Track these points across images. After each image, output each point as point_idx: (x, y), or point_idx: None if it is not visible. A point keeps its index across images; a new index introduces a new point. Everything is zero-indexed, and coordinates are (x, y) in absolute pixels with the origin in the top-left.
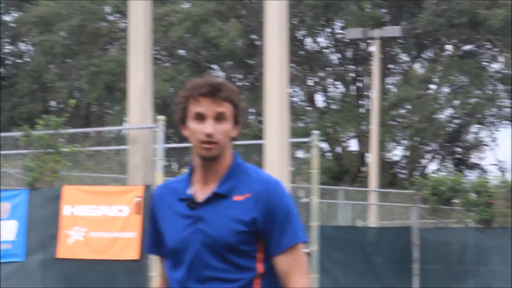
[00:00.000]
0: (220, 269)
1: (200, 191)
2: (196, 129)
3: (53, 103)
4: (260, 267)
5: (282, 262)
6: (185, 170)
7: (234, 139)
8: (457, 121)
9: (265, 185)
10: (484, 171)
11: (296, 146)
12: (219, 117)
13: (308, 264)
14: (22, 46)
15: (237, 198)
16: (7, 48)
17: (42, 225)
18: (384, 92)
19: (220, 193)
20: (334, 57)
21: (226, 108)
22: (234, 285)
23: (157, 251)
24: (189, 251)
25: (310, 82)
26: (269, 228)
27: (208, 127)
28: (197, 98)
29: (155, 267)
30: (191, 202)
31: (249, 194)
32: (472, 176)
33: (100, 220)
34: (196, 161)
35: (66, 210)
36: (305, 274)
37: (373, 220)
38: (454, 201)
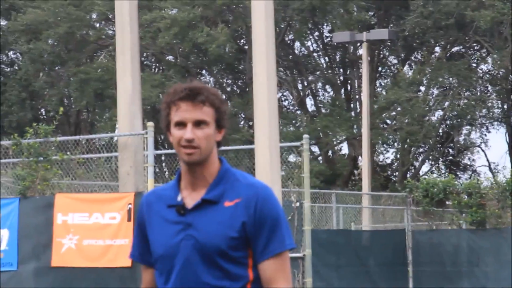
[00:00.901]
0: (211, 276)
1: (188, 197)
2: (178, 135)
3: (42, 111)
4: (250, 274)
5: (267, 268)
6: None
7: (219, 143)
8: (447, 122)
9: (255, 190)
10: (476, 172)
11: (287, 150)
12: (199, 122)
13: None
14: (11, 55)
15: (227, 204)
16: None
17: (34, 234)
18: (373, 95)
19: (210, 199)
20: (323, 61)
21: (205, 112)
22: None
23: (142, 259)
24: (179, 257)
25: (299, 86)
26: (256, 233)
27: (188, 132)
28: (177, 103)
29: None
30: (180, 208)
31: (239, 199)
32: (464, 177)
33: (93, 228)
34: (182, 167)
35: (59, 218)
36: (289, 282)
37: (366, 223)
38: (447, 203)
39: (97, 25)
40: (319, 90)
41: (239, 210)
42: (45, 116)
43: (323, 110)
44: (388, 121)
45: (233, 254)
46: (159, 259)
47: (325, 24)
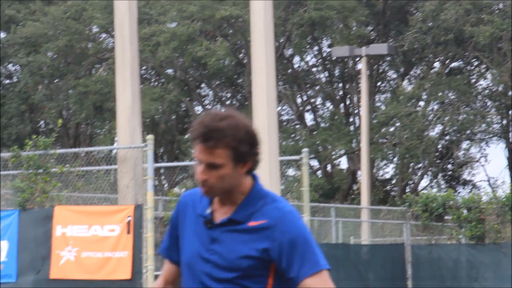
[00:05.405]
0: None
1: (218, 211)
2: (195, 169)
3: (42, 124)
4: None
5: None
6: (176, 190)
7: (251, 169)
8: (447, 137)
9: (280, 214)
10: (475, 187)
11: (286, 164)
12: (212, 165)
13: None
14: (10, 67)
15: (252, 223)
16: None
17: (33, 246)
18: (372, 109)
19: (236, 219)
20: (322, 75)
21: (219, 155)
22: None
23: (169, 255)
24: (201, 268)
25: (299, 100)
26: (286, 258)
27: (199, 173)
28: (193, 139)
29: (148, 286)
30: (208, 222)
31: (264, 221)
32: (464, 192)
33: (92, 240)
34: None
35: (58, 230)
36: None
37: (365, 237)
38: (446, 217)
39: (97, 38)
40: (318, 104)
41: (263, 233)
42: (44, 129)
43: (322, 124)
44: (387, 136)
45: (253, 272)
46: (184, 266)
47: (325, 38)
